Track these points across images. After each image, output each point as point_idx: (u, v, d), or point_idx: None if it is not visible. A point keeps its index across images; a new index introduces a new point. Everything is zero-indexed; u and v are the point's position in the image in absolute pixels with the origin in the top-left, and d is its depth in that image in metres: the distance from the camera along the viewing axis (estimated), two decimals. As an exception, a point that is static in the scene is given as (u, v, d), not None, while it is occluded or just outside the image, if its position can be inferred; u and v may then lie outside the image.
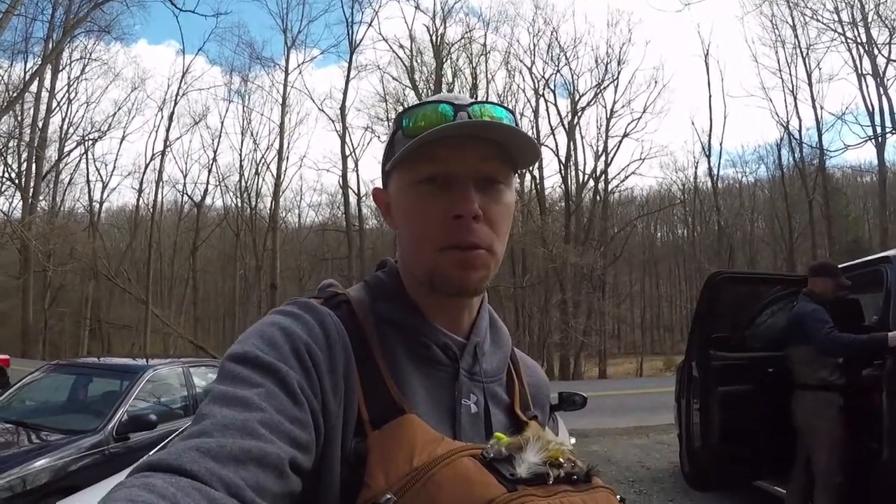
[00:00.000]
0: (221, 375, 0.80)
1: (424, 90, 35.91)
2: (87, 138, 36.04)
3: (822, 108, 33.73)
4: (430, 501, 0.76)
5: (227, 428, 0.71)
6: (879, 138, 30.46)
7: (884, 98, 30.24)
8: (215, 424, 0.71)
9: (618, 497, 0.87)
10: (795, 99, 34.71)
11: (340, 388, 0.86)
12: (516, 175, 1.01)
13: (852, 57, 31.67)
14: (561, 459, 0.82)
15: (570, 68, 37.90)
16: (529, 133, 0.97)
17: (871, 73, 30.75)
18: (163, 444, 5.11)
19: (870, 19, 30.06)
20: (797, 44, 33.92)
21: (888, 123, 30.29)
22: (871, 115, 30.87)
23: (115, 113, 36.85)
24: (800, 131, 35.31)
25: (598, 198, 37.64)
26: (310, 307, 0.92)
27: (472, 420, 0.96)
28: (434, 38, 36.24)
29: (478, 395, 0.98)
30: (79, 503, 4.19)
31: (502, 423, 0.98)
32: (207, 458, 0.66)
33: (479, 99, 0.99)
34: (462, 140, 0.92)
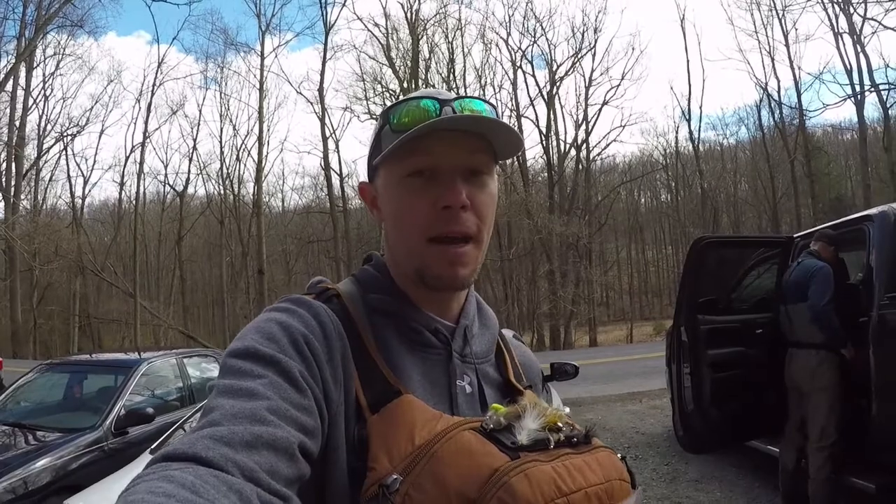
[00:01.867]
0: (224, 371, 0.83)
1: (401, 67, 35.70)
2: (65, 134, 35.64)
3: (799, 68, 33.80)
4: (435, 477, 0.78)
5: (237, 416, 0.73)
6: (858, 96, 30.50)
7: (861, 56, 30.25)
8: (224, 414, 0.73)
9: (618, 455, 0.89)
10: (773, 60, 34.76)
11: (340, 376, 0.89)
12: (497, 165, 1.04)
13: (828, 16, 31.64)
14: (559, 424, 0.85)
15: (547, 38, 37.87)
16: (512, 125, 0.99)
17: (847, 31, 30.70)
18: (164, 435, 5.15)
19: (845, -23, 30.01)
20: (773, 5, 33.84)
21: (866, 81, 30.32)
22: (849, 73, 30.86)
23: (92, 107, 36.43)
24: (779, 92, 35.40)
25: (580, 167, 37.57)
26: (303, 302, 0.95)
27: (468, 400, 0.99)
28: (409, 14, 35.97)
29: (471, 376, 1.01)
30: (83, 502, 4.21)
31: (496, 401, 1.00)
32: (221, 444, 0.68)
33: (460, 94, 1.02)
34: (448, 134, 0.94)
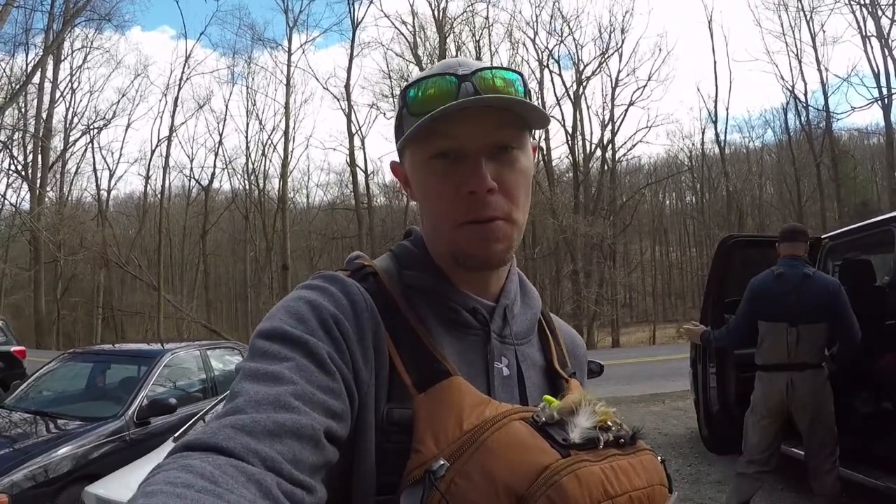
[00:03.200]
0: (251, 352, 0.81)
1: (428, 65, 35.42)
2: (91, 127, 36.03)
3: (827, 70, 33.42)
4: (484, 467, 0.76)
5: (260, 403, 0.71)
6: (885, 100, 30.19)
7: (889, 59, 29.98)
8: (248, 401, 0.72)
9: (659, 459, 0.88)
10: (800, 62, 34.40)
11: (370, 356, 0.87)
12: (531, 136, 0.99)
13: (856, 19, 31.38)
14: (609, 423, 0.83)
15: (574, 38, 37.66)
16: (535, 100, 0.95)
17: (875, 34, 30.44)
18: (186, 426, 5.16)
19: (873, -20, 29.72)
20: (800, 6, 33.48)
21: (894, 85, 30.00)
22: (876, 76, 30.59)
23: (118, 101, 36.80)
24: (805, 95, 35.05)
25: (605, 167, 37.51)
26: (335, 279, 0.93)
27: (504, 383, 0.96)
28: (436, 12, 36.01)
29: (509, 358, 0.99)
30: (103, 490, 4.23)
31: (537, 385, 0.99)
32: (242, 434, 0.67)
33: (484, 64, 0.96)
34: (471, 112, 0.90)
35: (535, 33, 37.89)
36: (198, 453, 0.64)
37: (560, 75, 37.95)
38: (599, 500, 0.75)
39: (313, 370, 0.78)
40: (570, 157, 37.35)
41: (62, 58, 33.61)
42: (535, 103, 0.93)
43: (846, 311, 4.65)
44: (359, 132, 36.55)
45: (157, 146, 36.71)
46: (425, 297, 0.97)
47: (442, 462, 0.78)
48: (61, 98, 34.18)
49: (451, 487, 0.76)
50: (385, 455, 0.83)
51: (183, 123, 38.07)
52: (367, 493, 0.83)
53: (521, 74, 0.96)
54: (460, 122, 0.90)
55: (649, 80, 37.12)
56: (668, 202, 52.78)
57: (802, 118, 35.58)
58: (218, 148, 38.89)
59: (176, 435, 4.86)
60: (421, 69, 35.24)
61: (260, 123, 39.16)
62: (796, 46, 34.21)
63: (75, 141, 35.84)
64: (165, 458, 0.65)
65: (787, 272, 4.75)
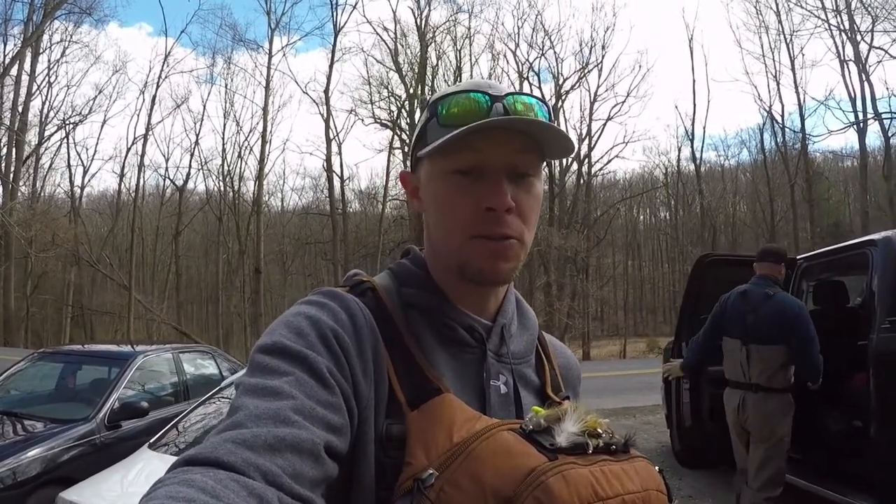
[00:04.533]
0: (251, 367, 0.82)
1: (408, 73, 35.77)
2: (67, 122, 35.39)
3: (804, 93, 33.98)
4: (472, 474, 0.78)
5: (260, 418, 0.72)
6: (861, 124, 30.69)
7: (865, 84, 30.62)
8: (248, 415, 0.72)
9: (656, 467, 0.88)
10: (779, 84, 34.95)
11: (370, 370, 0.88)
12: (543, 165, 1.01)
13: (835, 43, 32.01)
14: (599, 430, 0.84)
15: (555, 52, 37.83)
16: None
17: (853, 59, 31.02)
18: (162, 431, 5.10)
19: (853, 6, 30.33)
20: (781, 29, 34.06)
21: (869, 110, 30.63)
22: (852, 100, 31.23)
23: (95, 96, 36.20)
24: (782, 116, 35.56)
25: (581, 181, 37.66)
26: (334, 295, 0.94)
27: (501, 401, 0.97)
28: (419, 21, 36.07)
29: (506, 376, 0.99)
30: (77, 496, 4.18)
31: (533, 405, 0.98)
32: (243, 448, 0.67)
33: (514, 89, 0.98)
34: (497, 132, 0.91)
35: (517, 45, 38.01)
36: (199, 468, 0.65)
37: (539, 88, 38.01)
38: (589, 500, 0.75)
39: (313, 385, 0.79)
40: (546, 169, 37.32)
41: (40, 50, 33.24)
42: (566, 133, 0.94)
43: (805, 335, 4.66)
44: (336, 137, 36.46)
45: (132, 144, 36.21)
46: (423, 315, 0.97)
47: (431, 471, 0.79)
48: (38, 91, 33.69)
49: (441, 495, 0.77)
50: (384, 470, 0.84)
51: (160, 122, 37.75)
52: None
53: (546, 103, 0.98)
54: (487, 140, 0.91)
55: (628, 96, 37.36)
56: (642, 218, 53.30)
57: (778, 139, 36.11)
58: (194, 148, 38.52)
59: (151, 441, 4.81)
60: (401, 76, 35.34)
61: (237, 125, 38.90)
62: (775, 68, 34.80)
63: (50, 136, 35.30)
64: (166, 472, 0.66)
65: (752, 291, 4.82)
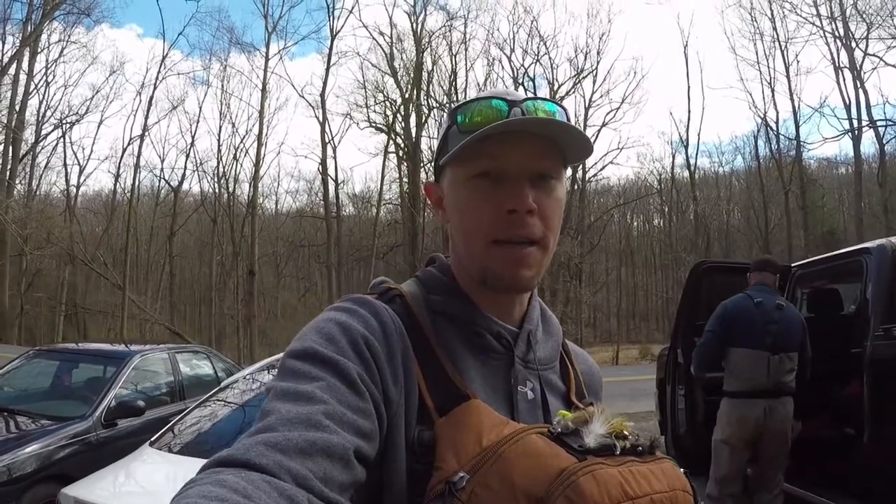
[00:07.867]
0: (282, 372, 0.83)
1: (404, 77, 35.80)
2: (64, 122, 35.33)
3: (799, 100, 34.08)
4: (502, 476, 0.79)
5: (292, 422, 0.73)
6: (856, 131, 30.77)
7: (860, 91, 30.62)
8: (280, 419, 0.73)
9: (681, 470, 0.90)
10: (773, 91, 34.99)
11: (400, 376, 0.89)
12: (566, 170, 1.02)
13: (830, 51, 32.04)
14: (625, 432, 0.85)
15: (550, 58, 37.89)
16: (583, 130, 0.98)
17: (848, 66, 31.04)
18: (163, 430, 5.10)
19: (848, 13, 30.36)
20: (776, 36, 34.19)
21: (864, 117, 30.66)
22: (847, 108, 31.21)
23: (92, 97, 36.11)
24: (777, 123, 35.60)
25: (575, 187, 37.58)
26: (364, 301, 0.94)
27: (529, 406, 0.98)
28: (415, 26, 36.10)
29: (534, 382, 1.00)
30: (81, 492, 4.16)
31: (559, 410, 0.98)
32: (275, 451, 0.68)
33: (532, 95, 1.01)
34: (517, 136, 0.93)
35: (512, 51, 38.02)
36: (230, 469, 0.66)
37: (534, 93, 37.94)
38: (619, 500, 0.76)
39: (344, 390, 0.80)
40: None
41: (38, 50, 33.15)
42: (586, 134, 0.96)
43: (808, 345, 4.85)
44: (331, 141, 36.42)
45: (128, 144, 36.12)
46: (451, 322, 0.98)
47: (462, 474, 0.80)
48: (35, 90, 33.62)
49: (472, 497, 0.78)
50: (415, 476, 0.85)
51: (156, 123, 37.59)
52: None
53: (565, 109, 1.00)
54: (506, 144, 0.93)
55: (622, 102, 37.34)
56: (635, 224, 53.21)
57: (773, 146, 36.21)
58: (189, 149, 38.42)
59: (153, 439, 4.80)
60: (396, 81, 35.34)
61: (233, 126, 38.82)
62: (770, 75, 34.87)
63: (47, 135, 35.28)
64: (198, 473, 0.67)
65: (766, 300, 4.84)
